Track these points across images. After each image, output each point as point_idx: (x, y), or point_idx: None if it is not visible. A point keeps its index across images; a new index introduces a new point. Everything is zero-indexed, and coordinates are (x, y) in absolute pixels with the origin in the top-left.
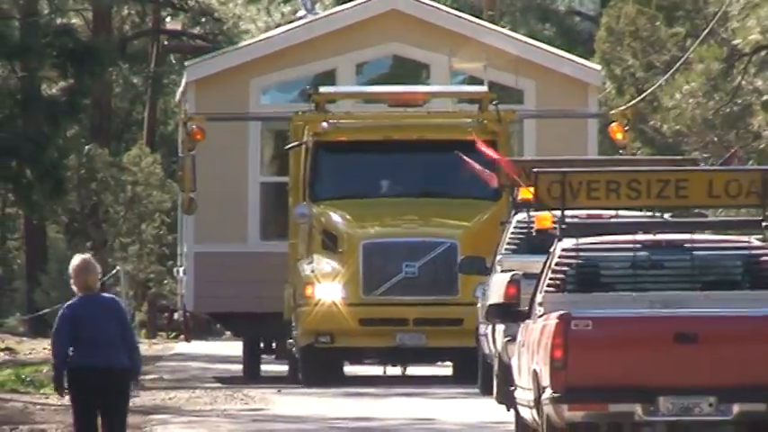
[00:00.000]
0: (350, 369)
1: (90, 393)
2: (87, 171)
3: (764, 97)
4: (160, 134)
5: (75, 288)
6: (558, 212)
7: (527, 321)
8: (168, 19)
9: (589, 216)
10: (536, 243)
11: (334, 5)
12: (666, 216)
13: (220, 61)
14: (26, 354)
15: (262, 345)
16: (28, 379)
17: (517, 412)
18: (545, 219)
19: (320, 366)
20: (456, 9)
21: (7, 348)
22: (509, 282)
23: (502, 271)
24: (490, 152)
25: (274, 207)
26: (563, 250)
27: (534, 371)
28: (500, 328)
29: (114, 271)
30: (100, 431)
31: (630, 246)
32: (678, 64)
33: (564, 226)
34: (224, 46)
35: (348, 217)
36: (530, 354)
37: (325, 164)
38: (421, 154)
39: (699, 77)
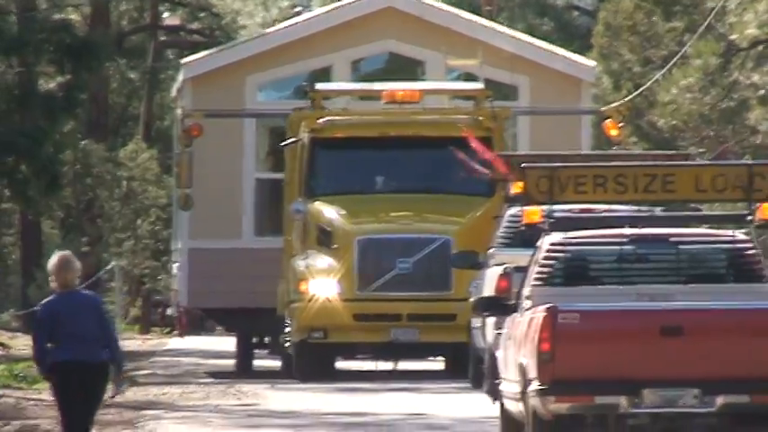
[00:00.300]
0: (342, 364)
1: (72, 387)
2: (83, 166)
3: (761, 92)
4: (157, 129)
5: (54, 285)
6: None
7: (514, 315)
8: (166, 14)
9: (583, 211)
10: (528, 237)
11: (331, 2)
12: (658, 210)
13: (217, 58)
14: (19, 349)
15: (255, 340)
16: (21, 374)
17: (502, 404)
18: (533, 213)
19: (314, 361)
20: (454, 5)
21: (1, 344)
22: (501, 275)
23: (494, 265)
24: (481, 147)
25: (269, 203)
26: (551, 244)
27: (521, 363)
28: (491, 321)
29: (109, 266)
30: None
31: (617, 240)
32: (675, 59)
33: (552, 220)
34: (222, 41)
35: (343, 213)
36: (517, 346)
37: (321, 160)
38: (416, 150)
39: (696, 72)
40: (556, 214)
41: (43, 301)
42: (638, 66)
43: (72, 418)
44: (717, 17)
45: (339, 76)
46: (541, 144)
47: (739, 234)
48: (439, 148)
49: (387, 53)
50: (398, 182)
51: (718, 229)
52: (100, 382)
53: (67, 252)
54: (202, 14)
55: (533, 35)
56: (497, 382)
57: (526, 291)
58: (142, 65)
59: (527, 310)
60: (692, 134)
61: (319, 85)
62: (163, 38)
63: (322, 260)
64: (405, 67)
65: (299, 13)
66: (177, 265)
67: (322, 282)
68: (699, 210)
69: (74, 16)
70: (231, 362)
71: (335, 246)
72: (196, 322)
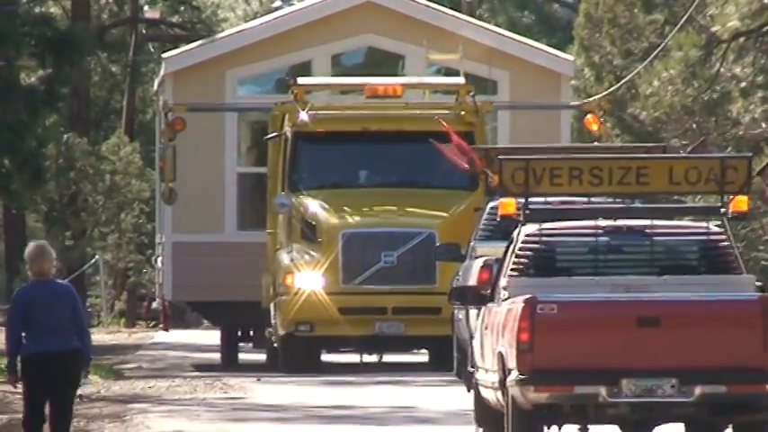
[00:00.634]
0: (327, 357)
1: (42, 379)
2: (66, 160)
3: (743, 84)
4: (139, 123)
5: (30, 274)
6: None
7: (489, 305)
8: (147, 7)
9: (563, 203)
10: (508, 229)
11: None
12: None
13: (197, 53)
14: (4, 343)
15: (239, 333)
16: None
17: (477, 393)
18: (509, 205)
19: (300, 354)
20: None
21: None
22: (482, 266)
23: (475, 257)
24: (460, 141)
25: (251, 197)
26: (526, 236)
27: (500, 353)
28: (473, 312)
29: (93, 260)
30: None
31: (592, 231)
32: (657, 51)
33: (527, 212)
34: (203, 34)
35: (327, 207)
36: (494, 336)
37: (305, 154)
38: (399, 145)
39: (677, 64)
40: (531, 206)
41: (19, 289)
42: (619, 58)
43: (34, 408)
44: (698, 9)
45: (319, 70)
46: (521, 138)
47: (713, 226)
48: (422, 143)
49: (366, 47)
50: (382, 176)
51: (692, 221)
52: (73, 369)
53: (43, 241)
54: (183, 7)
55: (514, 27)
56: (471, 370)
57: (502, 281)
58: (123, 58)
59: (504, 300)
60: (675, 126)
61: (302, 80)
62: (144, 31)
63: (307, 254)
64: (384, 62)
65: (279, 8)
66: (161, 258)
67: (307, 275)
68: (683, 202)
69: (54, 10)
70: (217, 355)
71: (320, 239)
72: (181, 316)
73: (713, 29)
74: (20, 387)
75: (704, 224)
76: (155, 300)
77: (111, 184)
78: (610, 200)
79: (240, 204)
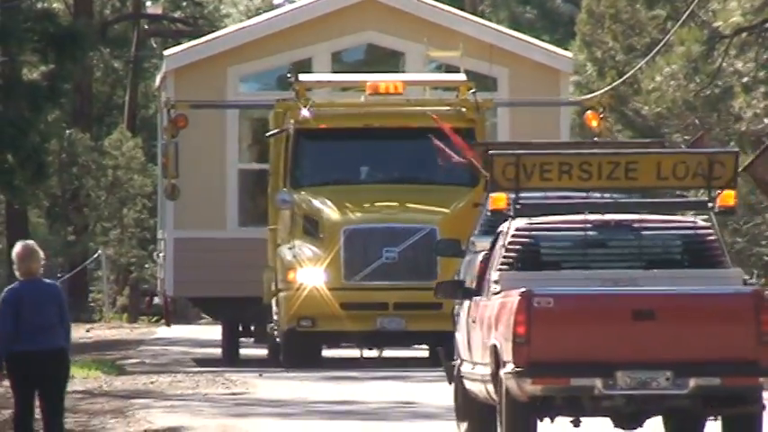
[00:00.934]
0: (327, 352)
1: (31, 376)
2: (68, 155)
3: (745, 79)
4: (141, 118)
5: (17, 273)
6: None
7: (476, 298)
8: (149, 3)
9: (562, 198)
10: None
11: None
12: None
13: (199, 50)
14: None
15: (240, 328)
16: None
17: (460, 386)
18: (499, 200)
19: (301, 349)
20: None
21: None
22: (481, 261)
23: (475, 252)
24: (456, 137)
25: (252, 193)
26: (516, 230)
27: (494, 346)
28: None
29: (96, 255)
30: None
31: (581, 225)
32: (659, 47)
33: (518, 206)
34: (205, 30)
35: (329, 203)
36: (485, 329)
37: (307, 151)
38: (400, 141)
39: (679, 60)
40: (522, 200)
41: (8, 288)
42: (621, 53)
43: (24, 406)
44: (700, 4)
45: (319, 67)
46: (521, 134)
47: (700, 220)
48: (423, 139)
49: (366, 45)
50: (383, 172)
51: (679, 215)
52: (61, 367)
53: (31, 241)
54: (185, 3)
55: (516, 23)
56: (453, 363)
57: (494, 275)
58: (126, 54)
59: (495, 294)
60: (677, 121)
61: (304, 77)
62: (146, 27)
63: (309, 250)
64: (385, 59)
65: (280, 5)
66: (162, 254)
67: (309, 271)
68: (685, 197)
69: (57, 5)
70: (218, 351)
71: (322, 235)
72: (183, 311)
73: (715, 24)
74: (6, 383)
75: (692, 218)
76: (156, 295)
77: (113, 179)
78: (607, 195)
79: (241, 201)
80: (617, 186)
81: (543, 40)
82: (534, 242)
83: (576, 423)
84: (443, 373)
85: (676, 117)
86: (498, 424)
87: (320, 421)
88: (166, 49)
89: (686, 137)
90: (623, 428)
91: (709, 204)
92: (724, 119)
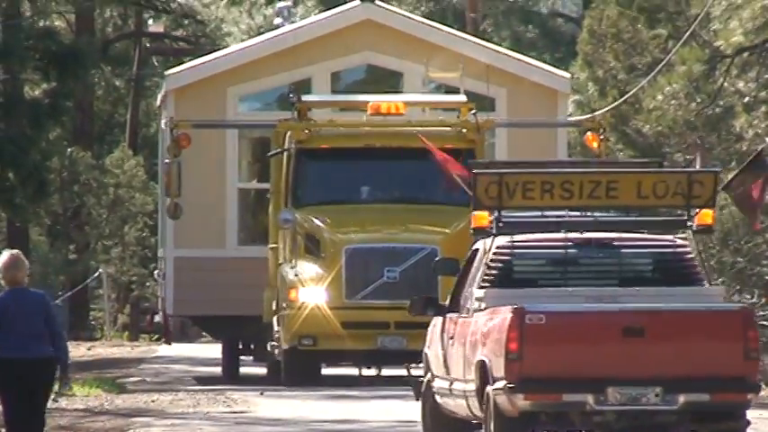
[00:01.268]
0: (325, 370)
1: (13, 384)
2: (70, 174)
3: (746, 99)
4: (143, 136)
5: (3, 282)
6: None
7: (452, 315)
8: (150, 21)
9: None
10: None
11: (313, 13)
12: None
13: (199, 70)
14: None
15: (240, 347)
16: None
17: (431, 403)
18: (482, 218)
19: (302, 368)
20: (439, 12)
21: None
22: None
23: None
24: (445, 157)
25: (252, 213)
26: (498, 247)
27: (482, 362)
28: None
29: (97, 273)
30: None
31: (562, 243)
32: (660, 66)
33: (501, 224)
34: (206, 48)
35: (331, 222)
36: (468, 346)
37: (308, 170)
38: (401, 161)
39: (681, 79)
40: (506, 219)
41: None
42: (623, 73)
43: (14, 412)
44: (701, 24)
45: (319, 87)
46: (519, 154)
47: (678, 239)
48: (424, 159)
49: (365, 65)
50: (384, 192)
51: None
52: (45, 376)
53: (16, 251)
54: (187, 22)
55: (518, 42)
56: (421, 379)
57: (476, 292)
58: (127, 72)
59: (478, 311)
60: (678, 140)
61: (306, 97)
62: (147, 45)
63: (311, 269)
64: (383, 79)
65: (281, 26)
66: (163, 272)
67: (311, 290)
68: (674, 214)
69: (59, 24)
70: (218, 369)
71: (324, 255)
72: (183, 329)
73: (717, 44)
74: None
75: (670, 236)
76: (157, 313)
77: (114, 197)
78: (597, 213)
79: (241, 220)
80: (598, 205)
81: (545, 59)
82: (516, 260)
83: None
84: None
85: (677, 136)
86: None
87: None
88: (168, 67)
89: (687, 156)
90: None
91: (688, 223)
92: (725, 138)
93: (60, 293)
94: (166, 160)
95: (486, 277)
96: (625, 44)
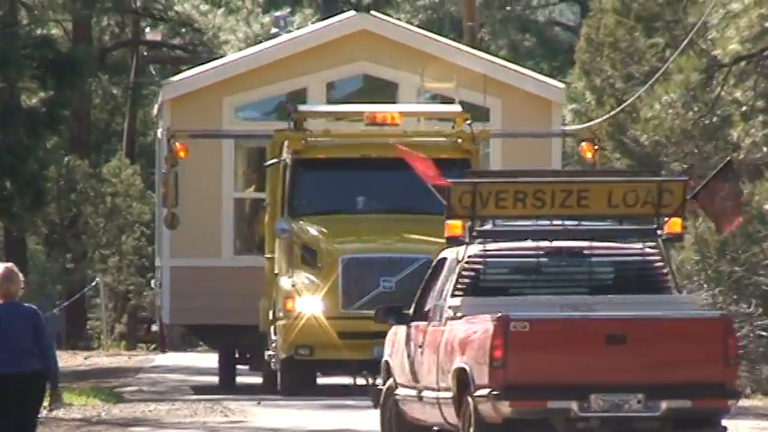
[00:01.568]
0: (321, 379)
1: (6, 398)
2: (67, 182)
3: (743, 108)
4: (140, 145)
5: None
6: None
7: (420, 323)
8: (148, 29)
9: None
10: None
11: (311, 22)
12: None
13: (195, 80)
14: None
15: (236, 356)
16: None
17: (392, 410)
18: (455, 227)
19: (299, 377)
20: (436, 21)
21: None
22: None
23: None
24: (426, 165)
25: (248, 222)
26: (470, 256)
27: (460, 369)
28: None
29: (94, 283)
30: None
31: (534, 252)
32: (657, 75)
33: (474, 233)
34: (204, 57)
35: (327, 233)
36: (443, 354)
37: (304, 180)
38: (397, 171)
39: (678, 88)
40: (479, 228)
41: None
42: (620, 81)
43: (7, 428)
44: (698, 33)
45: (314, 97)
46: (513, 164)
47: (647, 247)
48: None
49: (361, 75)
50: (380, 202)
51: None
52: (34, 391)
53: (11, 264)
54: (184, 30)
55: (516, 51)
56: (380, 387)
57: (450, 301)
58: (124, 80)
59: (453, 319)
60: (675, 150)
61: (303, 107)
62: (145, 53)
63: (307, 279)
64: (379, 89)
65: (277, 35)
66: (159, 282)
67: (308, 300)
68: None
69: (56, 32)
70: (215, 378)
71: (320, 265)
72: (180, 338)
73: (714, 52)
74: None
75: (640, 245)
76: (154, 322)
77: (111, 206)
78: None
79: (237, 229)
80: (569, 214)
81: (542, 68)
82: (489, 268)
83: None
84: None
85: (674, 145)
86: None
87: None
88: (165, 75)
89: (684, 165)
90: None
91: (658, 231)
92: (722, 147)
93: (57, 302)
94: (163, 170)
95: (459, 286)
96: (622, 53)
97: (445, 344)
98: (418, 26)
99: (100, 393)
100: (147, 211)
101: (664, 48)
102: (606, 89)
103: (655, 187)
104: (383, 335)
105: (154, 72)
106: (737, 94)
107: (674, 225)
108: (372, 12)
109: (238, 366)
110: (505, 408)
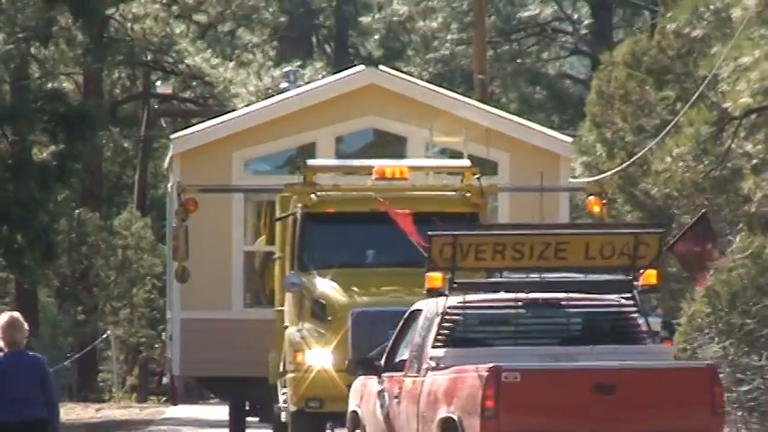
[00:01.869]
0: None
1: None
2: (78, 235)
3: (754, 161)
4: (151, 197)
5: (2, 344)
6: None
7: (394, 374)
8: (159, 82)
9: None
10: None
11: (321, 76)
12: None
13: (204, 134)
14: None
15: (247, 408)
16: None
17: None
18: (435, 279)
19: (309, 429)
20: (447, 73)
21: None
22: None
23: None
24: (406, 220)
25: (258, 275)
26: (449, 308)
27: (448, 419)
28: None
29: (105, 335)
30: None
31: (512, 303)
32: (668, 128)
33: (454, 285)
34: (215, 109)
35: (336, 286)
36: (426, 404)
37: (314, 234)
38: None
39: (688, 141)
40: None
41: None
42: (631, 134)
43: None
44: (709, 86)
45: (323, 151)
46: (521, 217)
47: (623, 299)
48: (428, 224)
49: (370, 129)
50: (389, 255)
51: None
52: None
53: (16, 313)
54: (195, 83)
55: (527, 104)
56: None
57: (432, 352)
58: (135, 133)
59: (434, 369)
60: (686, 202)
61: (312, 162)
62: (156, 106)
63: (317, 332)
64: (388, 143)
65: (286, 89)
66: (170, 334)
67: (317, 353)
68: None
69: (67, 85)
70: (225, 430)
71: (330, 318)
72: (187, 391)
73: (725, 105)
74: None
75: (615, 297)
76: (165, 375)
77: (122, 258)
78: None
79: (247, 282)
80: (547, 266)
81: (552, 121)
82: (469, 319)
83: None
84: None
85: (685, 198)
86: None
87: None
88: (176, 128)
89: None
90: None
91: (634, 283)
92: (733, 200)
93: (69, 355)
94: (174, 224)
95: (440, 337)
96: (633, 106)
97: (427, 394)
98: (429, 79)
99: None
100: (158, 264)
101: (674, 101)
102: (617, 142)
103: (631, 239)
104: None
105: (165, 125)
106: (748, 146)
107: (649, 276)
108: (381, 66)
109: (248, 418)
110: None
